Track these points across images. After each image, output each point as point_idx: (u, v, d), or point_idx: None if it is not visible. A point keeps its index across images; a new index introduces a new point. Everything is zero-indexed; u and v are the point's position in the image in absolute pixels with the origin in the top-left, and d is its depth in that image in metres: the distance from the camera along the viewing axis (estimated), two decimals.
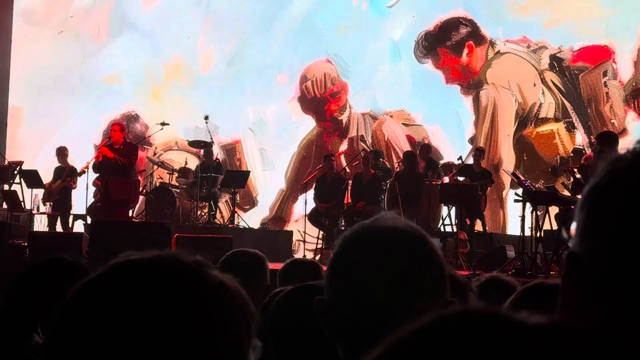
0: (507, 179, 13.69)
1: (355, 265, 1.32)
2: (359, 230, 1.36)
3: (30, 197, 12.94)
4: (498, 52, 14.53)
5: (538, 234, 9.65)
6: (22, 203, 12.74)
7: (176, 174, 13.47)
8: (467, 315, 0.60)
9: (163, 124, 13.06)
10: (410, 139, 14.87)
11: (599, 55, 13.83)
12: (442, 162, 13.10)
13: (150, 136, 14.06)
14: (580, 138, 13.79)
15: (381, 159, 13.35)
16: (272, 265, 3.81)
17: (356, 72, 15.39)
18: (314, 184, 12.65)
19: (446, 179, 11.99)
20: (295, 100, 15.75)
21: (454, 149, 14.16)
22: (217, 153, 14.41)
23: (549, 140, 14.03)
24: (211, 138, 13.59)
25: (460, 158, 12.26)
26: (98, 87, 16.39)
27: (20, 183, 12.97)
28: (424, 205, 11.49)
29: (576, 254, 0.85)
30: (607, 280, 0.81)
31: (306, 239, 12.93)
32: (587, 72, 13.93)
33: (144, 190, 13.24)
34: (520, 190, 10.44)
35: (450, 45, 14.75)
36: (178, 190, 13.25)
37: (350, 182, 12.21)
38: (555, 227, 10.05)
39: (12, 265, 8.25)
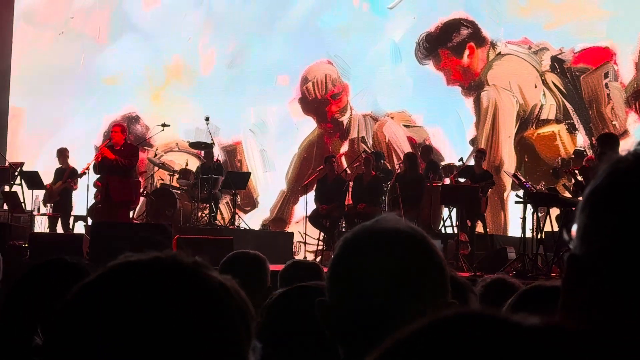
0: (508, 181, 13.69)
1: (356, 267, 1.32)
2: (359, 232, 1.36)
3: (31, 198, 12.94)
4: (499, 53, 14.53)
5: (539, 236, 9.65)
6: (23, 204, 12.74)
7: (177, 175, 13.48)
8: (464, 317, 0.61)
9: (164, 125, 13.06)
10: (411, 140, 14.87)
11: (600, 56, 13.83)
12: (443, 163, 13.09)
13: (150, 137, 14.07)
14: (582, 140, 13.79)
15: (382, 161, 13.34)
16: (272, 267, 3.81)
17: (357, 73, 15.38)
18: (315, 186, 12.65)
19: (447, 181, 11.98)
20: (296, 102, 15.75)
21: (454, 150, 14.16)
22: (218, 154, 14.41)
23: (550, 141, 14.03)
24: (212, 139, 13.58)
25: (461, 159, 12.27)
26: (99, 88, 16.39)
27: (21, 184, 12.98)
28: (425, 206, 11.49)
29: (577, 256, 0.85)
30: (607, 281, 0.81)
31: (307, 240, 12.92)
32: (589, 74, 13.93)
33: (145, 192, 13.25)
34: (521, 192, 10.45)
35: (451, 47, 14.74)
36: (179, 192, 13.25)
37: (351, 183, 12.21)
38: (556, 228, 10.04)
39: (13, 267, 8.22)
